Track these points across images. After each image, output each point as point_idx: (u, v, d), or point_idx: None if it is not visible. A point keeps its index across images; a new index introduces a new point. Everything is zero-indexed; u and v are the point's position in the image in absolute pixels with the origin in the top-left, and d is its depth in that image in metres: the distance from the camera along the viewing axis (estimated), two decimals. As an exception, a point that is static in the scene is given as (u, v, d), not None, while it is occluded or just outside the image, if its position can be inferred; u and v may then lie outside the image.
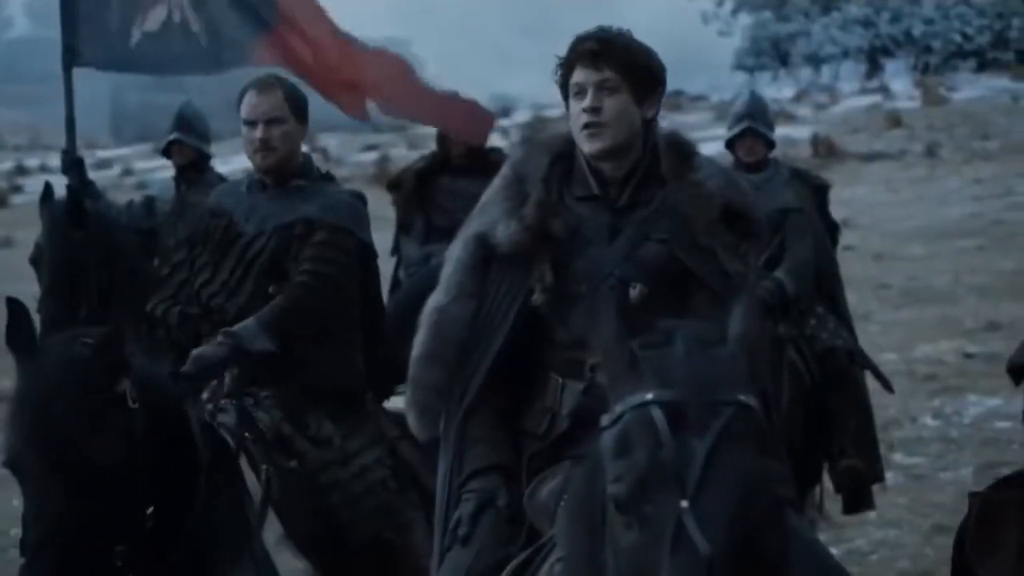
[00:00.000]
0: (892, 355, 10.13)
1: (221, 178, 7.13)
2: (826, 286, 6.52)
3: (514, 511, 3.03)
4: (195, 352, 3.97)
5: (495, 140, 6.64)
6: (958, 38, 33.43)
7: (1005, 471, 7.40)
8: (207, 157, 7.10)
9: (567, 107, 3.14)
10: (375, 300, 4.35)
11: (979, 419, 8.95)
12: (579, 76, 3.08)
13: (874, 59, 34.23)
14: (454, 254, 3.20)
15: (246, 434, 3.91)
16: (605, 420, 2.25)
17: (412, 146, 24.17)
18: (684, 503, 2.05)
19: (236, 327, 4.03)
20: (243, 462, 3.84)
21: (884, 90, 29.44)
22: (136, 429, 3.25)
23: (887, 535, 6.95)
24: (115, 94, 42.43)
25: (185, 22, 5.55)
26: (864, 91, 29.93)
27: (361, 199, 4.39)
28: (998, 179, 18.98)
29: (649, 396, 2.17)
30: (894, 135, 23.49)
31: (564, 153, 3.17)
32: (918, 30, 33.80)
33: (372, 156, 24.22)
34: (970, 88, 28.63)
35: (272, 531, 3.78)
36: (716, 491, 2.06)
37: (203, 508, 3.48)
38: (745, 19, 38.00)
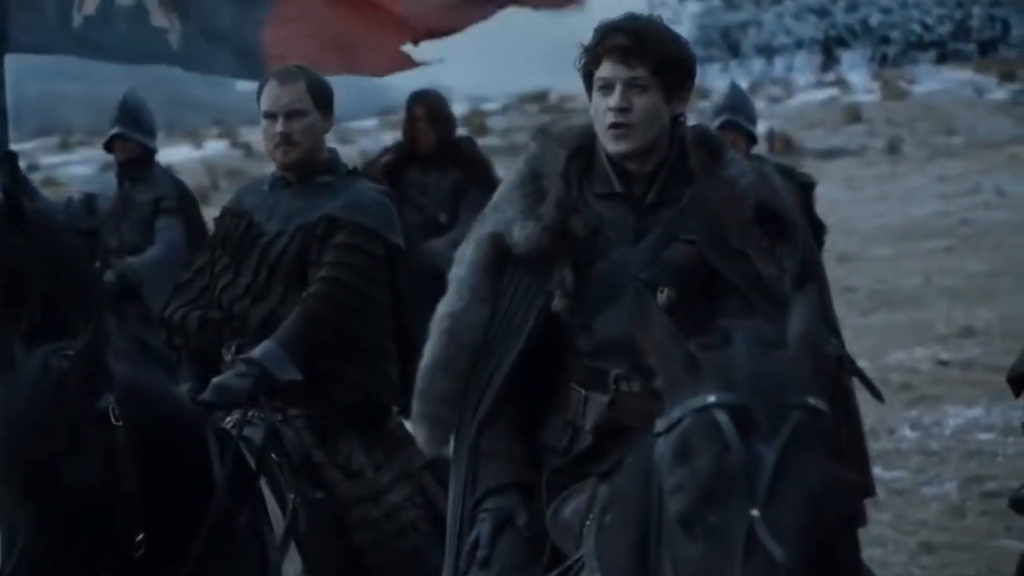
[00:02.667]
0: (864, 362, 10.02)
1: (167, 174, 7.07)
2: (812, 289, 6.53)
3: (535, 530, 3.00)
4: (217, 381, 3.87)
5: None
6: (917, 28, 33.69)
7: (991, 485, 7.49)
8: (152, 152, 6.99)
9: (589, 98, 3.10)
10: (406, 305, 4.24)
11: (960, 430, 8.95)
12: (607, 71, 3.05)
13: (829, 50, 34.44)
14: (466, 256, 3.15)
15: (272, 455, 3.83)
16: (660, 426, 2.21)
17: (343, 141, 24.03)
18: (755, 512, 2.03)
19: (258, 353, 3.92)
20: (265, 486, 3.75)
21: (841, 83, 29.54)
22: (119, 448, 3.19)
23: (872, 554, 6.94)
24: (14, 83, 41.65)
25: (141, 9, 5.52)
26: (820, 84, 30.02)
27: (390, 196, 4.32)
28: (964, 177, 19.14)
29: (712, 399, 2.14)
30: (853, 130, 23.62)
31: (583, 147, 3.14)
32: (875, 20, 34.04)
33: (299, 151, 24.03)
34: (930, 81, 28.81)
35: (291, 566, 3.70)
36: (788, 500, 2.05)
37: (215, 535, 3.41)
38: (693, 7, 38.11)
